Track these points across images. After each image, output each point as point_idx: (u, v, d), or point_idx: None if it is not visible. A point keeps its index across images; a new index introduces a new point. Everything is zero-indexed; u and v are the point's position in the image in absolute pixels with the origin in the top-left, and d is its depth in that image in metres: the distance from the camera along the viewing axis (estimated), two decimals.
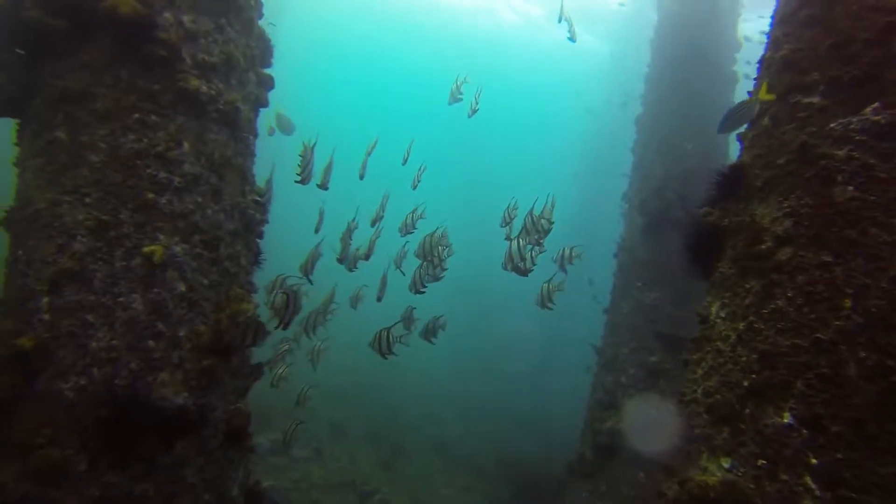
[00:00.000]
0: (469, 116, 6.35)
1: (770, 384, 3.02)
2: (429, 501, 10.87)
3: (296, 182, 5.02)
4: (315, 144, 5.06)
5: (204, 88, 4.10)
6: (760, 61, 4.05)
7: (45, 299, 3.63)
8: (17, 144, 4.13)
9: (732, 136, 10.89)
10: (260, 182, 4.85)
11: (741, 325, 3.32)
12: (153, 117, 3.95)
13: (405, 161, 6.79)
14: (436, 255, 5.70)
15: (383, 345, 5.52)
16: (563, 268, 5.42)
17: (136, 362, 3.66)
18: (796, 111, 3.38)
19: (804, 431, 2.84)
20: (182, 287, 3.90)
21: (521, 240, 5.20)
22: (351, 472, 10.87)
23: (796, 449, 2.84)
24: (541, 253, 5.34)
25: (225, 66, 4.34)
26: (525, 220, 5.24)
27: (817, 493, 2.73)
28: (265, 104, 4.88)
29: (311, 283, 5.61)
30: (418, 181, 6.63)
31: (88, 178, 3.76)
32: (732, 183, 3.78)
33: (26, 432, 3.38)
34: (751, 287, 3.34)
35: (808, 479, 2.77)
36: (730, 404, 3.21)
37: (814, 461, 2.78)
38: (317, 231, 6.37)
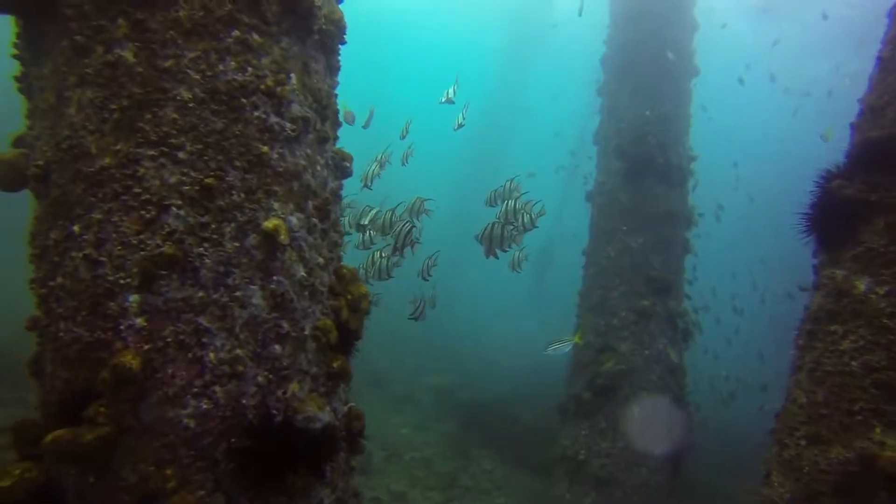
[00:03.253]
0: (454, 129, 6.46)
1: None
2: (395, 444, 10.75)
3: None
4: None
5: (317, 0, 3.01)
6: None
7: (135, 297, 2.57)
8: (20, 56, 2.74)
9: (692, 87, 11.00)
10: None
11: None
12: (255, 36, 2.82)
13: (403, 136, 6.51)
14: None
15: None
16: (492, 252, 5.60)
17: (263, 374, 2.80)
18: None
19: None
20: (302, 271, 3.01)
21: (503, 227, 5.43)
22: None
23: None
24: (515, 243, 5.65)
25: None
26: (507, 206, 5.53)
27: None
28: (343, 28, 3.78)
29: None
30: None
31: (180, 123, 2.62)
32: (881, 157, 3.75)
33: (150, 475, 2.45)
34: None
35: None
36: None
37: None
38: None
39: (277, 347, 2.86)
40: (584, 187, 10.36)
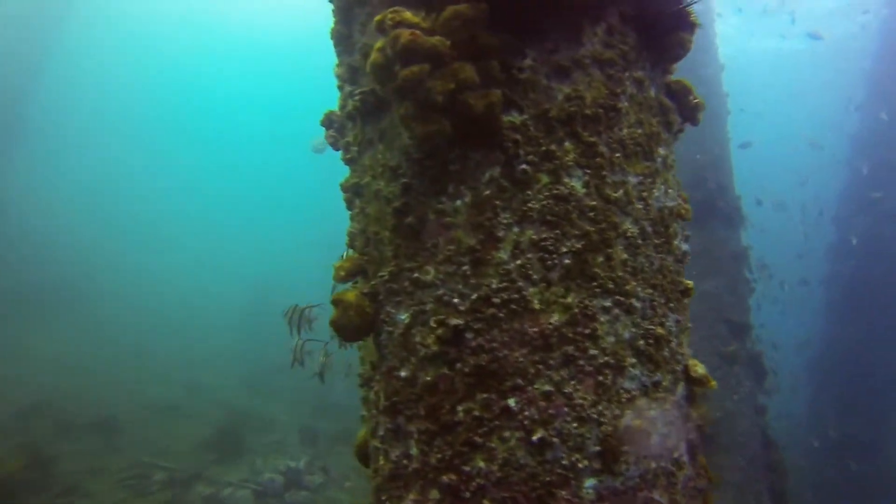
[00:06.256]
0: None
1: None
2: None
3: None
4: None
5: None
6: None
7: (593, 481, 2.09)
8: (408, 185, 2.17)
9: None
10: None
11: None
12: (665, 152, 2.44)
13: None
14: None
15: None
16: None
17: None
18: None
19: None
20: None
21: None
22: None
23: None
24: None
25: None
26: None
27: None
28: None
29: None
30: None
31: (630, 264, 2.18)
32: None
33: None
34: None
35: None
36: None
37: None
38: None
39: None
40: None
